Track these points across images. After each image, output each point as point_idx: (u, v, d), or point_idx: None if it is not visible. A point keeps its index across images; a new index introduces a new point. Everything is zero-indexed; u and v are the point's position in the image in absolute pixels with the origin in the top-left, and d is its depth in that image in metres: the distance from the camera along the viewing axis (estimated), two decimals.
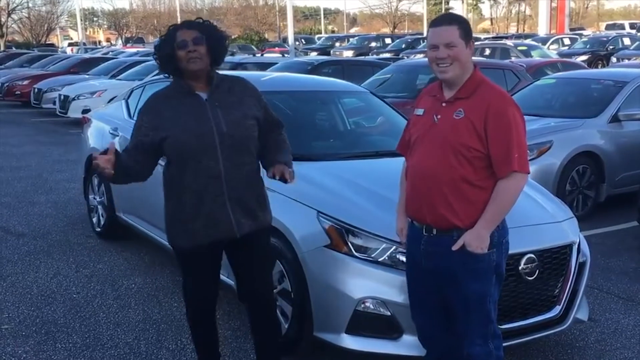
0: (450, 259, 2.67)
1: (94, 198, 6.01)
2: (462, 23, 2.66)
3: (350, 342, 3.33)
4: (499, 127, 2.57)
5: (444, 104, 2.69)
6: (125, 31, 67.51)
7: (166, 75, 3.01)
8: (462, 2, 61.46)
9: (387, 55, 25.49)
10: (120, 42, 60.31)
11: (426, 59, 2.81)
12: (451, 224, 2.65)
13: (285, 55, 26.13)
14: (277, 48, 37.12)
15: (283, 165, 2.89)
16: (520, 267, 3.28)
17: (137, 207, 5.23)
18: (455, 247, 2.64)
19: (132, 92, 6.01)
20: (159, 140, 2.83)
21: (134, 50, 29.46)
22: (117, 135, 5.54)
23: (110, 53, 27.59)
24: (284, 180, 2.85)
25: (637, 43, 25.67)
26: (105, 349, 3.79)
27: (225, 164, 2.83)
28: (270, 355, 3.23)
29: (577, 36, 32.87)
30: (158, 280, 4.88)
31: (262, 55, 28.69)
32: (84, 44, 43.03)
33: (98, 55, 25.34)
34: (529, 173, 2.67)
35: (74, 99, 14.16)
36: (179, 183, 2.87)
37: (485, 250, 2.63)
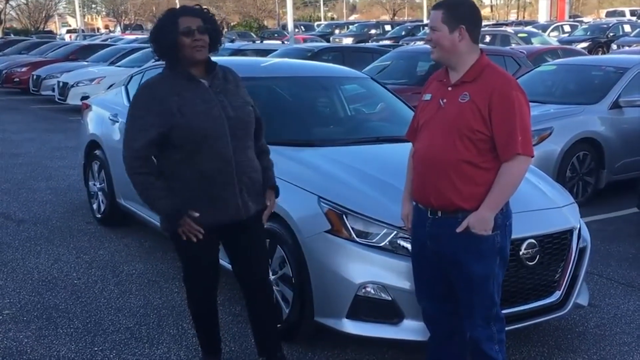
0: (454, 240, 2.69)
1: (94, 184, 6.00)
2: (449, 8, 2.66)
3: (351, 327, 3.34)
4: (503, 110, 2.59)
5: (450, 88, 2.72)
6: (124, 18, 67.18)
7: (168, 64, 2.91)
8: None
9: (387, 42, 25.35)
10: (119, 29, 60.05)
11: (426, 46, 2.84)
12: (456, 206, 2.66)
13: (285, 42, 26.02)
14: (277, 36, 36.86)
15: (270, 210, 3.12)
16: (521, 252, 3.28)
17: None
18: (459, 229, 2.65)
19: (131, 78, 5.99)
20: (169, 128, 2.76)
21: (132, 37, 29.34)
22: (117, 122, 5.54)
23: (109, 40, 27.46)
24: None
25: (637, 30, 25.56)
26: (107, 334, 3.80)
27: (234, 149, 2.85)
28: (270, 337, 3.25)
29: (577, 23, 32.75)
30: (159, 266, 4.89)
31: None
32: (83, 30, 42.81)
33: (97, 42, 25.22)
34: (532, 156, 2.67)
35: (72, 86, 14.13)
36: (188, 167, 2.83)
37: (490, 232, 2.65)
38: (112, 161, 5.58)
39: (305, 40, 26.49)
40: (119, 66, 15.16)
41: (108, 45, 20.29)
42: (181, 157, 2.84)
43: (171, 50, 2.82)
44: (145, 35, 30.38)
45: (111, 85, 8.73)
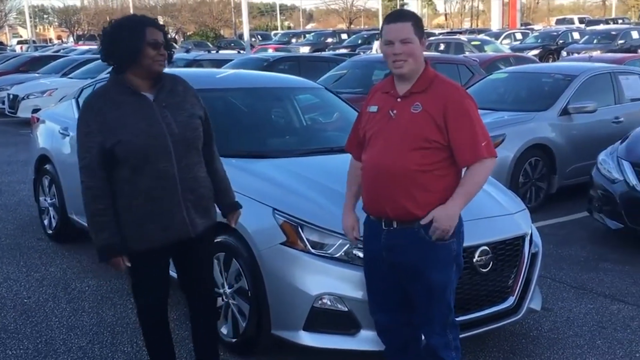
0: (412, 251, 2.70)
1: (45, 200, 5.87)
2: (415, 19, 2.71)
3: (308, 339, 3.32)
4: (460, 118, 2.63)
5: (399, 99, 2.72)
6: (76, 28, 66.07)
7: (116, 67, 2.84)
8: None
9: (344, 50, 25.52)
10: (71, 39, 59.02)
11: (381, 55, 2.84)
12: (413, 215, 2.68)
13: (241, 52, 25.95)
14: (234, 45, 36.67)
15: (239, 211, 3.17)
16: (474, 260, 3.32)
17: None
18: (424, 221, 2.65)
19: (82, 90, 5.88)
20: (110, 145, 2.72)
21: (86, 48, 28.82)
22: (68, 135, 5.42)
23: (62, 51, 26.96)
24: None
25: (585, 37, 26.31)
26: (58, 354, 3.70)
27: (178, 166, 2.80)
28: (211, 351, 3.23)
29: (528, 31, 33.53)
30: (112, 282, 4.79)
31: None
32: (34, 41, 41.99)
33: (48, 53, 24.74)
34: (496, 156, 2.74)
35: (23, 98, 13.80)
36: (131, 186, 2.78)
37: (451, 232, 2.65)
38: (63, 176, 5.46)
39: (277, 50, 26.48)
40: (71, 78, 14.86)
41: (60, 57, 19.91)
42: (125, 174, 2.78)
43: (131, 56, 2.75)
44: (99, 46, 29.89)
45: (63, 98, 8.56)
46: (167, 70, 2.94)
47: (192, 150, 2.88)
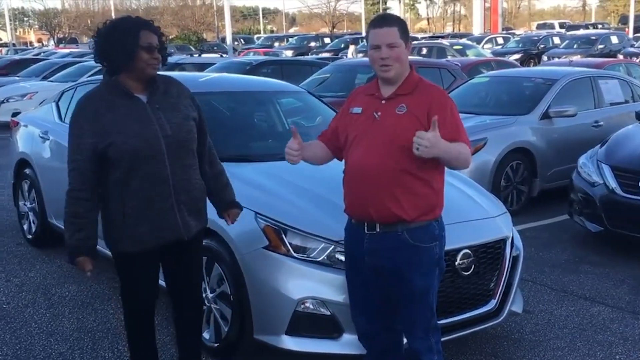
0: (395, 255, 2.70)
1: (25, 204, 5.80)
2: (401, 24, 2.74)
3: (291, 344, 3.31)
4: (445, 116, 2.64)
5: (383, 101, 2.73)
6: (57, 31, 65.45)
7: (109, 69, 2.84)
8: (400, 2, 62.32)
9: (327, 54, 25.57)
10: (52, 42, 58.51)
11: (365, 59, 2.85)
12: (397, 217, 2.68)
13: (224, 55, 25.87)
14: (216, 49, 36.53)
15: (237, 210, 3.16)
16: (456, 263, 3.33)
17: None
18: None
19: (62, 94, 5.83)
20: (103, 147, 2.72)
21: (66, 51, 28.62)
22: (48, 139, 5.37)
23: (42, 54, 26.71)
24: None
25: (566, 42, 26.62)
26: None
27: (172, 168, 2.80)
28: (196, 355, 3.23)
29: (510, 36, 33.83)
30: (93, 287, 4.74)
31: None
32: (14, 44, 41.57)
33: (29, 56, 24.50)
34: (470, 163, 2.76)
35: (3, 102, 13.64)
36: (124, 188, 2.78)
37: (427, 145, 2.52)
38: (43, 180, 5.41)
39: (266, 54, 26.42)
40: (52, 81, 14.71)
41: (41, 60, 19.72)
42: (119, 176, 2.78)
43: (124, 60, 2.74)
44: (80, 49, 29.68)
45: (43, 101, 8.48)
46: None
47: (186, 152, 2.88)
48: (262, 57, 17.68)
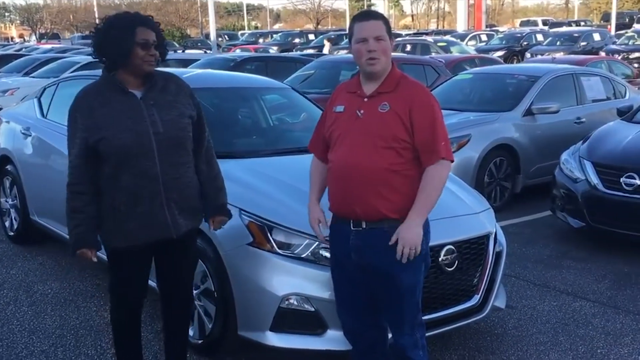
0: (381, 252, 2.70)
1: (6, 201, 5.75)
2: (385, 19, 2.76)
3: (275, 340, 3.31)
4: (425, 117, 2.66)
5: (366, 99, 2.73)
6: (39, 27, 64.78)
7: (107, 64, 2.84)
8: None
9: (311, 51, 25.53)
10: (34, 38, 57.91)
11: (349, 55, 2.85)
12: (382, 215, 2.68)
13: (208, 52, 25.76)
14: (200, 45, 36.32)
15: (224, 218, 3.10)
16: (440, 259, 3.35)
17: (52, 209, 5.02)
18: (392, 242, 2.65)
19: (44, 90, 5.77)
20: (94, 141, 2.73)
21: (48, 46, 28.30)
22: (30, 135, 5.32)
23: (24, 49, 26.40)
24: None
25: (549, 39, 26.78)
26: (20, 358, 3.62)
27: (162, 165, 2.79)
28: (182, 352, 3.23)
29: (493, 32, 33.99)
30: (76, 284, 4.71)
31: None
32: None
33: (10, 51, 24.18)
34: (453, 161, 2.75)
35: None
36: (113, 183, 2.78)
37: (419, 249, 2.66)
38: (25, 176, 5.35)
39: (256, 50, 26.31)
40: (34, 77, 14.50)
41: (22, 55, 19.45)
42: (110, 171, 2.79)
43: (121, 56, 2.75)
44: (62, 45, 29.37)
45: (25, 97, 8.40)
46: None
47: (179, 150, 2.86)
48: (246, 54, 17.63)
